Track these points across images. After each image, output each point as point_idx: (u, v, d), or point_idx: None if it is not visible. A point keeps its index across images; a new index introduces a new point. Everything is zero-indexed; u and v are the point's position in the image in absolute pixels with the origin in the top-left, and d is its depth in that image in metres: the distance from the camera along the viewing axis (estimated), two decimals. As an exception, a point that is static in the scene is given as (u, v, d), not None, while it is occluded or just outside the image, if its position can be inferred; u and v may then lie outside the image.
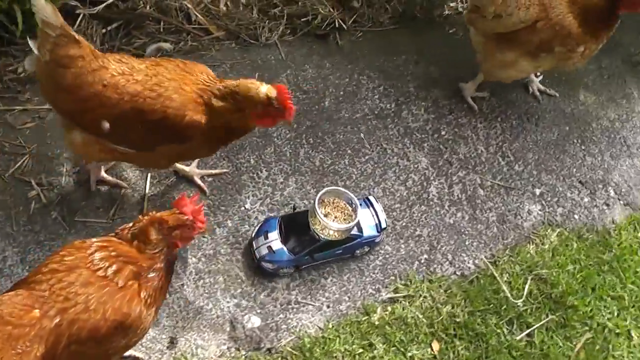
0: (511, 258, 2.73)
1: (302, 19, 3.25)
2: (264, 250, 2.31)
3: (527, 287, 2.65)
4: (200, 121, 2.01)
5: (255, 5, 3.28)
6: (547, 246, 2.82)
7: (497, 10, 2.75)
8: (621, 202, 3.16)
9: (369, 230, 2.40)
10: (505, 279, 2.67)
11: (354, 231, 2.34)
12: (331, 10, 3.28)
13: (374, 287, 2.55)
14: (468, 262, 2.69)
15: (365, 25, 3.36)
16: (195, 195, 1.86)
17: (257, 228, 2.39)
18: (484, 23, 2.85)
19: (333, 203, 2.36)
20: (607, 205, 3.11)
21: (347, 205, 2.35)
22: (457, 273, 2.65)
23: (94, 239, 1.76)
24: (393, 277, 2.59)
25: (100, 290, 1.67)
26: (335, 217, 2.32)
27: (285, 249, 2.29)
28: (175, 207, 1.77)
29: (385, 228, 2.44)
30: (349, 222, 2.28)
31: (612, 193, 3.16)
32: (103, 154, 2.15)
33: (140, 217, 1.81)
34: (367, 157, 2.89)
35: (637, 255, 2.96)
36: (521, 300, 2.62)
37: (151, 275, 1.74)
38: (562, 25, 2.73)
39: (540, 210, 2.95)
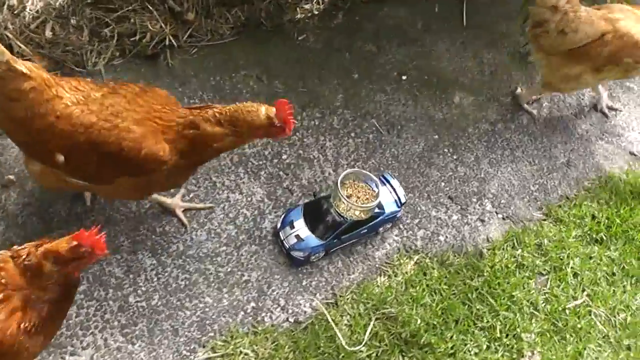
0: (355, 296, 2.45)
1: (131, 39, 2.94)
2: (293, 240, 2.41)
3: (369, 329, 2.37)
4: (160, 154, 1.97)
5: (86, 27, 3.02)
6: (400, 278, 2.55)
7: (558, 27, 2.90)
8: (499, 215, 2.92)
9: (390, 207, 2.54)
10: (345, 321, 2.39)
11: (376, 209, 2.46)
12: (163, 26, 3.02)
13: (188, 348, 2.27)
14: (304, 306, 2.43)
15: (203, 39, 3.08)
16: (95, 229, 1.76)
17: (281, 219, 2.49)
18: (548, 39, 2.97)
19: (353, 185, 2.47)
20: (482, 221, 2.87)
21: (367, 185, 2.47)
22: (290, 320, 2.38)
23: None
24: (212, 334, 2.30)
25: None
26: (358, 198, 2.43)
27: (313, 235, 2.40)
28: (74, 239, 1.72)
29: (405, 203, 2.59)
30: (373, 201, 2.39)
31: (488, 206, 2.91)
32: (62, 184, 2.14)
33: (32, 246, 1.77)
34: (192, 195, 2.60)
35: (514, 276, 2.70)
36: (362, 345, 2.32)
37: (39, 305, 1.75)
38: (630, 35, 2.84)
39: (396, 235, 2.68)
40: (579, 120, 3.41)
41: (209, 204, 2.59)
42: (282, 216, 2.52)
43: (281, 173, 2.80)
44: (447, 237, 2.80)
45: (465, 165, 3.06)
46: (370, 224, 2.49)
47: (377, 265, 2.65)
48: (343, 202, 2.37)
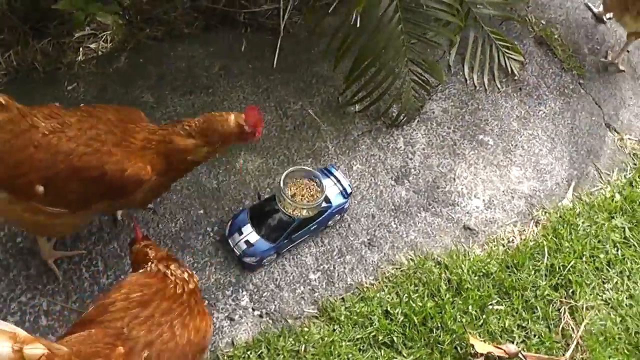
0: None
1: None
2: (243, 246, 2.50)
3: None
4: (142, 173, 2.07)
5: None
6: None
7: None
8: (256, 312, 2.47)
9: (337, 200, 2.61)
10: None
11: (323, 203, 2.53)
12: None
13: None
14: None
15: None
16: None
17: (228, 226, 2.56)
18: None
19: (297, 183, 2.54)
20: (231, 319, 2.45)
21: (310, 181, 2.55)
22: None
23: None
24: None
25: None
26: (302, 196, 2.50)
27: (262, 239, 2.48)
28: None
29: (351, 193, 2.66)
30: (319, 197, 2.48)
31: (244, 300, 2.50)
32: (27, 215, 2.12)
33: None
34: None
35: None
36: None
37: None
38: None
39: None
40: (399, 186, 2.90)
41: (80, 251, 2.52)
42: (229, 222, 2.57)
43: None
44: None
45: (229, 250, 2.59)
46: (319, 219, 2.58)
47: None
48: (289, 203, 2.45)
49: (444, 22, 2.99)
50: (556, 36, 3.66)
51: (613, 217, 3.08)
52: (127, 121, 2.13)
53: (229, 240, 2.54)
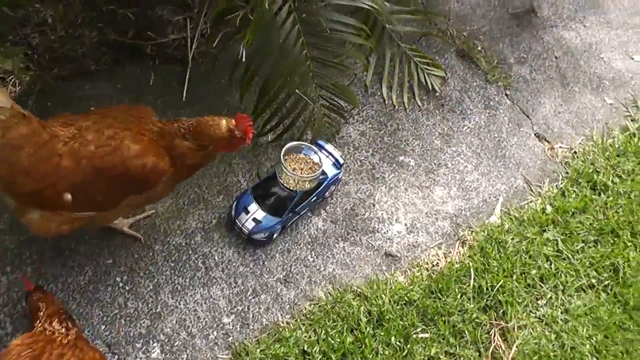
0: None
1: None
2: (252, 224, 2.66)
3: None
4: (162, 165, 2.18)
5: None
6: None
7: None
8: None
9: (331, 171, 2.82)
10: None
11: (320, 176, 2.72)
12: None
13: None
14: None
15: None
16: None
17: (234, 207, 2.72)
18: None
19: (294, 158, 2.71)
20: None
21: (306, 156, 2.73)
22: None
23: None
24: None
25: None
26: (302, 169, 2.67)
27: (268, 215, 2.66)
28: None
29: (343, 163, 2.86)
30: (318, 169, 2.67)
31: (156, 352, 2.45)
32: (63, 226, 2.26)
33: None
34: None
35: None
36: None
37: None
38: None
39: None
40: (315, 217, 2.92)
41: (151, 211, 2.75)
42: (234, 204, 2.73)
43: None
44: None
45: (139, 298, 2.55)
46: (318, 190, 2.76)
47: None
48: (290, 177, 2.62)
49: (354, 44, 2.96)
50: (479, 48, 3.66)
51: (545, 231, 3.04)
52: (139, 116, 2.24)
53: (237, 221, 2.70)
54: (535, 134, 3.43)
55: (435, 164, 3.18)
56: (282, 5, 2.75)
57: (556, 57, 3.75)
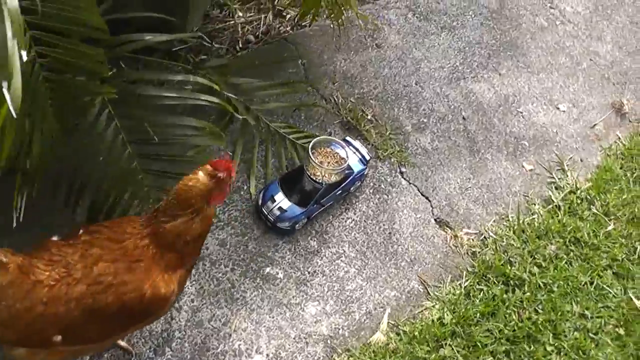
0: None
1: None
2: (277, 212, 2.77)
3: None
4: (162, 291, 2.03)
5: None
6: None
7: None
8: None
9: (357, 166, 2.92)
10: None
11: (346, 170, 2.86)
12: None
13: None
14: None
15: None
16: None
17: (261, 196, 2.84)
18: None
19: (322, 152, 2.83)
20: None
21: (332, 150, 2.85)
22: None
23: None
24: None
25: None
26: (329, 162, 2.80)
27: (294, 205, 2.77)
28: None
29: (369, 160, 2.97)
30: (344, 163, 2.80)
31: None
32: (51, 357, 2.13)
33: None
34: None
35: None
36: None
37: None
38: None
39: None
40: (158, 358, 2.49)
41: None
42: (261, 193, 2.85)
43: None
44: None
45: None
46: (343, 184, 2.88)
47: None
48: (317, 169, 2.75)
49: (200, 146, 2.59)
50: (369, 116, 3.23)
51: (442, 346, 2.66)
52: (120, 239, 2.07)
53: (263, 209, 2.82)
54: (435, 220, 3.02)
55: (309, 272, 2.77)
56: (100, 110, 2.43)
57: (464, 118, 3.32)
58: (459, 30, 3.80)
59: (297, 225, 2.87)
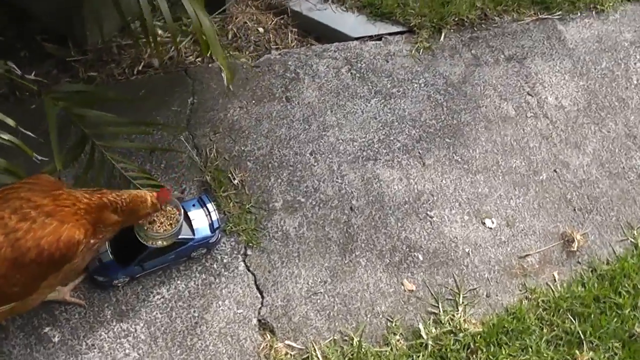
0: None
1: None
2: (96, 263, 2.67)
3: None
4: (75, 236, 2.17)
5: None
6: None
7: None
8: None
9: (202, 232, 2.74)
10: None
11: (186, 234, 2.69)
12: None
13: None
14: None
15: None
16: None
17: None
18: None
19: (162, 209, 2.68)
20: None
21: (174, 209, 2.66)
22: None
23: None
24: None
25: None
26: (161, 223, 2.61)
27: (114, 262, 2.65)
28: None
29: (219, 227, 2.79)
30: (173, 228, 2.61)
31: None
32: None
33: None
34: None
35: None
36: None
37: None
38: None
39: None
40: None
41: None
42: None
43: None
44: None
45: None
46: (178, 249, 2.70)
47: None
48: (141, 230, 2.59)
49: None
50: (236, 181, 2.93)
51: None
52: (52, 189, 2.23)
53: None
54: (259, 321, 2.68)
55: (86, 344, 2.54)
56: None
57: (351, 209, 2.92)
58: (395, 100, 3.40)
59: (116, 282, 2.72)
